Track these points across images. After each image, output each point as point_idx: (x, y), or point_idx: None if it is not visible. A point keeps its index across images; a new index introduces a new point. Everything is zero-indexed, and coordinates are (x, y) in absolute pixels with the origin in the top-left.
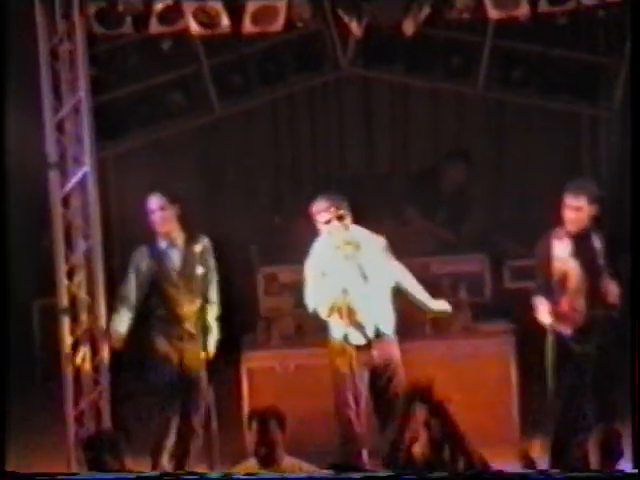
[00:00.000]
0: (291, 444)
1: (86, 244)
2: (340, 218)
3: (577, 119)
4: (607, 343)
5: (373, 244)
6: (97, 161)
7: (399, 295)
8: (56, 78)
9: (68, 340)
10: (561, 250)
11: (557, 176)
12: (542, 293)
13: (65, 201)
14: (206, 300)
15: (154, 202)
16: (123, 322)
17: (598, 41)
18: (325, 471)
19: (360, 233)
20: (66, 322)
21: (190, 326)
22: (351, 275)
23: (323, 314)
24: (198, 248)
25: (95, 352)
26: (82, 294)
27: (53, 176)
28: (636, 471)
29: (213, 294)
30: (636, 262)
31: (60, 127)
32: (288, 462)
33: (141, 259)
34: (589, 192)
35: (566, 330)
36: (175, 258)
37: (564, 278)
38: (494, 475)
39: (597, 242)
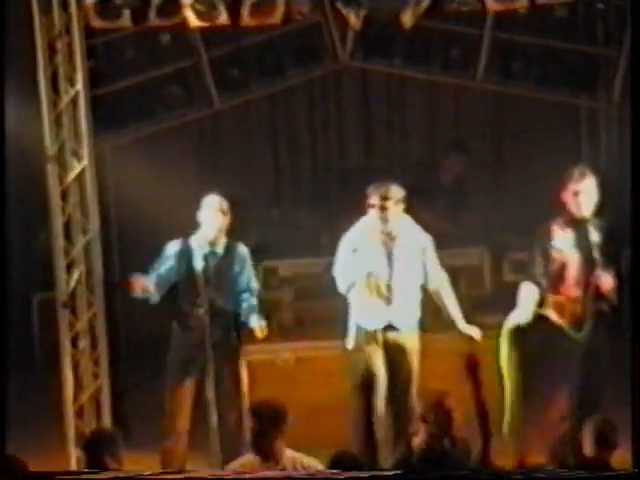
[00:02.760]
0: (292, 437)
1: (85, 238)
2: (382, 209)
3: (576, 111)
4: (600, 335)
5: (413, 241)
6: (95, 154)
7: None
8: (54, 71)
9: (67, 334)
10: (562, 240)
11: (556, 168)
12: (537, 282)
13: (64, 195)
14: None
15: (218, 202)
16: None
17: (597, 33)
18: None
19: (404, 226)
20: (65, 316)
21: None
22: (380, 261)
23: (350, 290)
24: (235, 255)
25: (94, 346)
26: (81, 288)
27: (52, 170)
28: (636, 470)
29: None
30: (636, 259)
31: (58, 120)
32: (289, 456)
33: (173, 253)
34: (591, 178)
35: (562, 320)
36: (211, 263)
37: (563, 268)
38: (497, 474)
39: (594, 235)
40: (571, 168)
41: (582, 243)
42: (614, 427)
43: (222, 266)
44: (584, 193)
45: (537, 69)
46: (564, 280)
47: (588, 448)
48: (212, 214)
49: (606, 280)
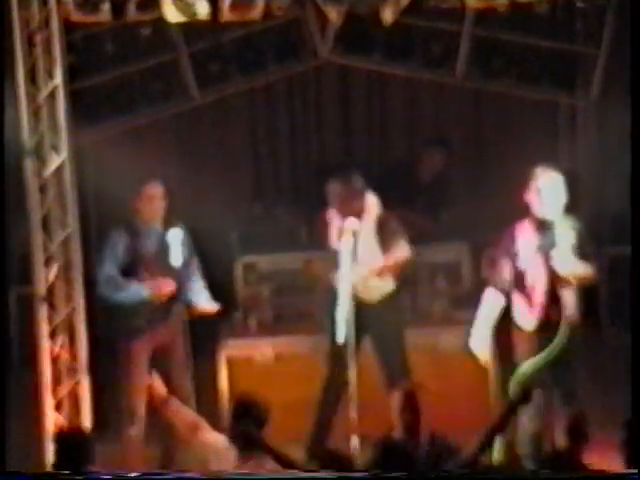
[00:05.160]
0: (270, 433)
1: (64, 232)
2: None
3: (555, 108)
4: (570, 337)
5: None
6: (75, 148)
7: None
8: (33, 65)
9: (46, 328)
10: (524, 243)
11: (535, 165)
12: (502, 288)
13: (42, 188)
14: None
15: (157, 190)
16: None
17: (576, 31)
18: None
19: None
20: (44, 310)
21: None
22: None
23: None
24: (174, 235)
25: (73, 340)
26: (60, 282)
27: (30, 164)
28: (635, 471)
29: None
30: (636, 259)
31: (37, 114)
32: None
33: (119, 241)
34: (556, 176)
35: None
36: (153, 244)
37: (524, 273)
38: (489, 475)
39: (564, 237)
40: (532, 168)
41: (545, 247)
42: (586, 420)
43: (164, 248)
44: (547, 192)
45: (517, 66)
46: (527, 286)
47: (560, 441)
48: (156, 203)
49: (568, 297)
